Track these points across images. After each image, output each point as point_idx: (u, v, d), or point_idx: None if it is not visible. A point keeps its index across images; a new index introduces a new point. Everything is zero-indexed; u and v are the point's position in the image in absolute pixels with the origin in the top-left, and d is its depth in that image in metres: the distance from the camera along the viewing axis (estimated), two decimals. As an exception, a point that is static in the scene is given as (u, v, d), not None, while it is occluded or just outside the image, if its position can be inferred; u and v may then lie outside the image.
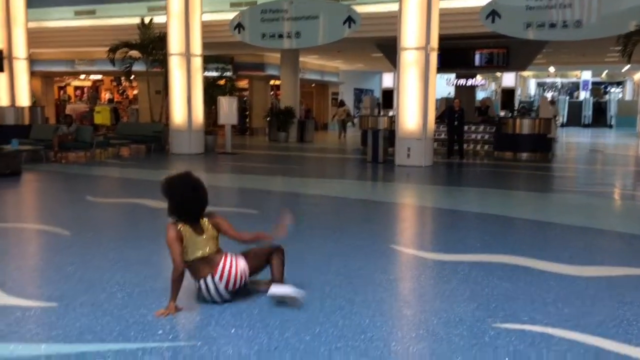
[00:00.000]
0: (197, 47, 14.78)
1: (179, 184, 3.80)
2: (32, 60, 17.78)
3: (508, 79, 27.53)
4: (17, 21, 16.10)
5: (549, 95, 37.61)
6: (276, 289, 3.75)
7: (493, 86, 38.53)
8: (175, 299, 3.64)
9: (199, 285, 3.77)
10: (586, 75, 38.08)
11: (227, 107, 15.43)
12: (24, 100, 16.26)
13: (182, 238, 3.72)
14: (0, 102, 16.09)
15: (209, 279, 3.72)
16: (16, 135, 12.25)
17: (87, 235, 5.74)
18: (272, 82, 25.22)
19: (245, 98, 24.99)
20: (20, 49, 16.22)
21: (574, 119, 33.36)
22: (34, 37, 18.08)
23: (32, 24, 17.52)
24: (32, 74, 18.14)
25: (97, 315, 3.55)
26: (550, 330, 3.41)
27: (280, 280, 3.84)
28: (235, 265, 3.76)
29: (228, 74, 21.67)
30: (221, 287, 3.72)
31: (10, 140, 11.37)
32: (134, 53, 17.05)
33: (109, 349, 3.08)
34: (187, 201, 3.76)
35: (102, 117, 21.96)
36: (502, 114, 20.39)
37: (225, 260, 3.77)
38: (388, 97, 21.11)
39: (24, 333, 3.28)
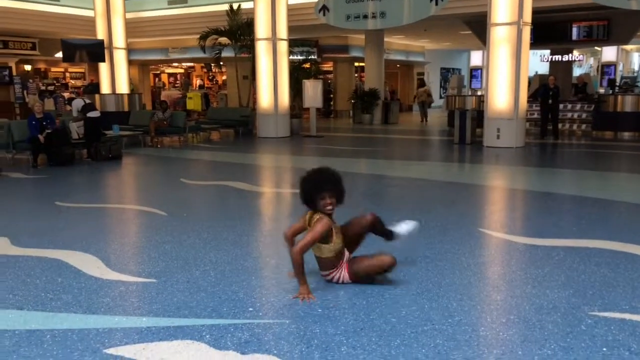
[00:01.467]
0: (283, 32, 14.98)
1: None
2: (129, 50, 18.84)
3: (609, 53, 25.72)
4: (117, 12, 17.09)
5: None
6: (400, 228, 4.13)
7: (592, 61, 36.17)
8: (303, 282, 3.64)
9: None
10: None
11: (312, 91, 15.57)
12: (123, 87, 17.30)
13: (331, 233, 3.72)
14: (102, 90, 17.21)
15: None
16: (117, 121, 13.05)
17: (181, 215, 6.05)
18: (356, 64, 25.11)
19: (329, 81, 25.07)
20: (119, 39, 17.23)
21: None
22: (131, 27, 19.13)
23: (129, 15, 18.53)
24: (130, 62, 19.20)
25: (192, 292, 3.74)
26: (654, 321, 3.20)
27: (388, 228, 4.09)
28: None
29: (313, 57, 21.85)
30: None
31: (112, 126, 12.15)
32: (223, 40, 17.57)
33: (204, 324, 3.24)
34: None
35: (193, 102, 22.82)
36: (601, 90, 19.13)
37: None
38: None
39: (127, 306, 3.53)
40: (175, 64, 29.07)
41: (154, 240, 5.07)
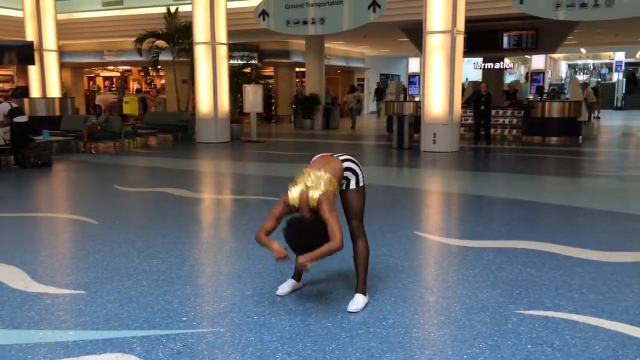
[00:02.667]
0: (222, 36, 14.84)
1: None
2: (61, 52, 18.14)
3: (537, 61, 26.94)
4: (47, 13, 16.42)
5: (580, 77, 36.71)
6: (356, 306, 3.49)
7: (522, 69, 37.80)
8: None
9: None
10: (619, 56, 37.02)
11: (253, 95, 15.49)
12: (54, 91, 16.62)
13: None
14: (32, 94, 16.47)
15: None
16: (47, 126, 12.52)
17: (114, 223, 5.86)
18: (297, 69, 25.19)
19: (270, 86, 25.03)
20: (50, 41, 16.55)
21: (606, 101, 32.55)
22: (64, 29, 18.44)
23: (61, 16, 17.87)
24: (62, 65, 18.50)
25: (123, 303, 3.63)
26: (574, 317, 3.37)
27: (363, 289, 3.59)
28: None
29: (253, 61, 21.74)
30: None
31: (42, 131, 11.64)
32: (161, 43, 17.22)
33: (134, 335, 3.15)
34: None
35: (130, 107, 22.27)
36: (531, 97, 20.01)
37: None
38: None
39: (53, 320, 3.38)
40: (111, 67, 28.21)
41: (83, 250, 4.89)
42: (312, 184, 3.37)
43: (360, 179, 3.62)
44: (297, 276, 3.87)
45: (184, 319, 3.39)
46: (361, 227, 3.63)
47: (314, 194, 3.33)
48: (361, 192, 3.62)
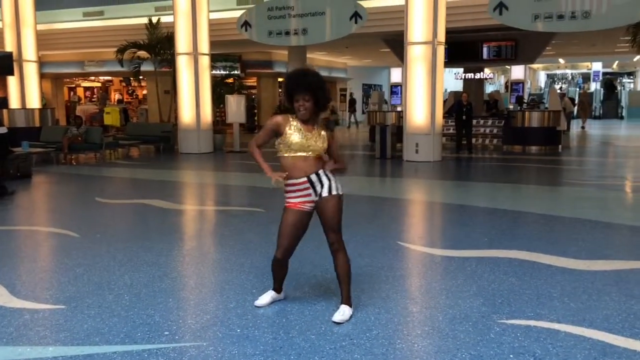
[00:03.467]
0: (204, 46, 14.82)
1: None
2: (41, 63, 17.98)
3: (517, 71, 27.34)
4: (26, 24, 16.28)
5: (557, 86, 37.34)
6: (341, 317, 3.50)
7: (502, 79, 38.30)
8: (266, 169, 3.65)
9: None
10: (597, 66, 37.74)
11: (235, 106, 15.48)
12: (34, 102, 16.44)
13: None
14: (11, 105, 16.27)
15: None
16: (27, 137, 12.35)
17: (95, 236, 5.80)
18: (280, 79, 25.23)
19: (253, 96, 25.04)
20: (29, 52, 16.40)
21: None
22: (44, 40, 18.27)
23: (41, 27, 17.70)
24: (42, 75, 18.33)
25: (104, 317, 3.59)
26: (556, 326, 3.40)
27: (348, 302, 3.59)
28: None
29: (236, 72, 21.75)
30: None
31: (21, 143, 11.48)
32: (142, 53, 17.16)
33: (116, 350, 3.11)
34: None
35: (111, 117, 22.08)
36: (511, 107, 20.27)
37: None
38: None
39: (32, 336, 3.32)
40: (92, 78, 28.00)
41: (64, 264, 4.82)
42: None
43: (335, 185, 3.57)
44: (278, 287, 3.86)
45: (166, 333, 3.35)
46: (340, 240, 3.59)
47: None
48: (338, 201, 3.57)
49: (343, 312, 3.54)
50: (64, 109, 26.15)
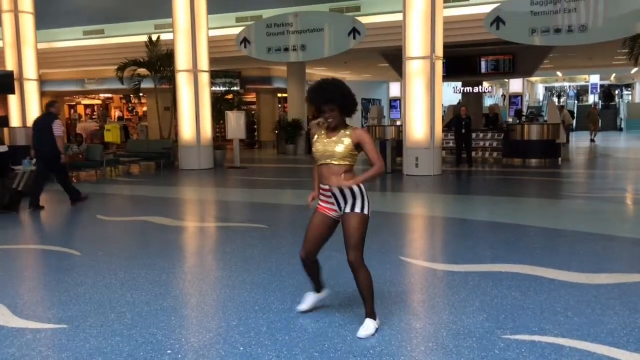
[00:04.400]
0: (204, 63, 14.92)
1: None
2: (42, 81, 18.07)
3: (515, 84, 27.47)
4: (27, 42, 16.40)
5: (555, 99, 37.50)
6: (365, 332, 3.51)
7: (501, 92, 38.45)
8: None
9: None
10: (594, 78, 37.94)
11: (235, 122, 15.54)
12: (34, 120, 16.47)
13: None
14: (12, 123, 16.32)
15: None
16: (28, 155, 12.36)
17: (97, 254, 5.79)
18: (279, 94, 25.35)
19: (253, 112, 25.14)
20: (30, 70, 16.50)
21: (583, 122, 33.18)
22: (44, 58, 18.39)
23: (42, 45, 17.83)
24: (43, 93, 18.40)
25: (106, 336, 3.57)
26: (560, 341, 3.39)
27: (372, 315, 3.60)
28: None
29: (235, 88, 21.86)
30: None
31: (22, 161, 11.48)
32: (142, 71, 17.25)
33: (119, 369, 3.09)
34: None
35: (112, 135, 22.15)
36: (510, 120, 20.34)
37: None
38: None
39: (34, 356, 3.31)
40: (92, 95, 28.13)
41: (65, 283, 4.81)
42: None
43: (366, 205, 3.56)
44: (315, 287, 3.95)
45: (169, 351, 3.34)
46: (359, 259, 3.57)
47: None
48: (359, 219, 3.53)
49: (367, 327, 3.54)
50: (65, 127, 26.20)
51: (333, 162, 3.53)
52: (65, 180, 9.48)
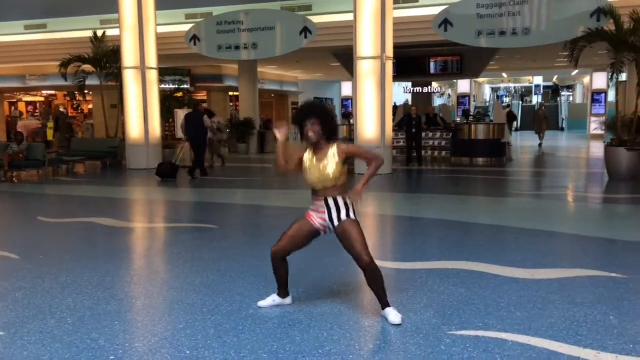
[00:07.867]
0: (152, 60, 14.59)
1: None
2: (-21, 77, 17.25)
3: (463, 85, 28.13)
4: (-37, 37, 15.62)
5: (499, 100, 38.62)
6: (397, 317, 3.68)
7: (449, 92, 39.31)
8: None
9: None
10: (538, 79, 39.30)
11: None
12: (-29, 118, 15.73)
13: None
14: (-54, 121, 15.53)
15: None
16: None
17: (37, 257, 5.56)
18: (230, 93, 25.10)
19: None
20: (-34, 66, 15.72)
21: (528, 122, 34.24)
22: (-19, 53, 17.55)
23: (-22, 40, 17.01)
24: (-20, 90, 17.60)
25: (45, 343, 3.43)
26: (503, 335, 3.47)
27: (386, 303, 3.76)
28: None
29: (185, 86, 21.50)
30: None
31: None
32: (88, 67, 16.70)
33: (58, 377, 2.97)
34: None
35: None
36: (458, 119, 20.80)
37: None
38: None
39: (-34, 366, 3.15)
40: (34, 92, 27.06)
41: (2, 288, 4.59)
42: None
43: (352, 210, 3.76)
44: (280, 292, 4.02)
45: (112, 357, 3.23)
46: (370, 264, 3.67)
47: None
48: (358, 224, 3.73)
49: (396, 313, 3.69)
50: (4, 124, 25.16)
51: (328, 185, 3.71)
52: None
